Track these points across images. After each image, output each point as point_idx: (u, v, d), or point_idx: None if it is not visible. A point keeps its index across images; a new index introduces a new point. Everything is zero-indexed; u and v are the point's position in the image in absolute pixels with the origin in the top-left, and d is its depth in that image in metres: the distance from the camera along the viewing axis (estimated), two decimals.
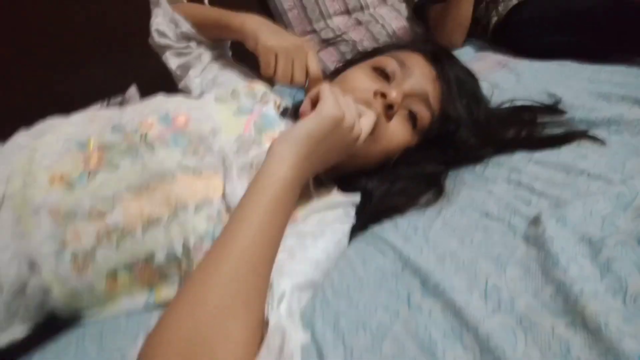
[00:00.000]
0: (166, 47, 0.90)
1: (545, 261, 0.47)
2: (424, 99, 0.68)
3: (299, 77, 0.75)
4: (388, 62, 0.71)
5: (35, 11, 1.21)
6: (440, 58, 0.73)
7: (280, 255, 0.52)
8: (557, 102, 0.80)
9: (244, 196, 0.51)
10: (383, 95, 0.66)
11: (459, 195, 0.66)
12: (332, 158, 0.59)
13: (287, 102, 0.83)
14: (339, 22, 1.48)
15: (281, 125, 0.70)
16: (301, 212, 0.64)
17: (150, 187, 0.59)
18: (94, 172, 0.60)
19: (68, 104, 1.00)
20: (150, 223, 0.58)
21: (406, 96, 0.67)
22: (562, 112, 0.77)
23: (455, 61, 0.76)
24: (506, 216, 0.58)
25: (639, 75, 0.82)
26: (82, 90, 1.24)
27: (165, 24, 0.89)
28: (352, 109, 0.58)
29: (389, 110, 0.66)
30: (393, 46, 0.81)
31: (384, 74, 0.70)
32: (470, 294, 0.47)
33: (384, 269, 0.57)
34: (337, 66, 0.89)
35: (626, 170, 0.59)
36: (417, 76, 0.69)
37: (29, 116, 0.72)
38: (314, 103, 0.58)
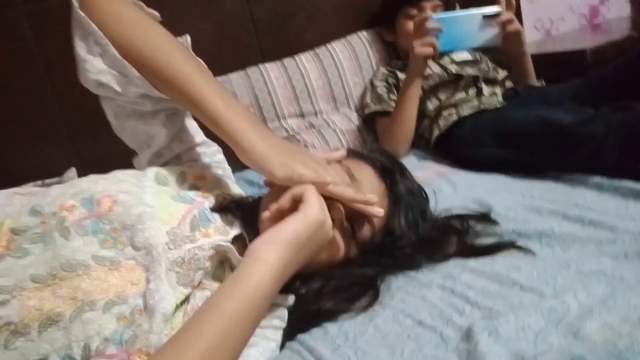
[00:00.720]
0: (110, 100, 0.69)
1: None
2: (369, 217, 0.65)
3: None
4: (338, 172, 0.66)
5: None
6: (392, 173, 0.71)
7: None
8: (489, 211, 0.81)
9: (211, 298, 0.45)
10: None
11: (392, 300, 0.63)
12: (306, 262, 0.56)
13: (240, 192, 0.75)
14: (292, 123, 1.52)
15: (217, 221, 0.64)
16: None
17: (57, 279, 0.53)
18: None
19: (22, 181, 0.94)
20: (49, 320, 0.51)
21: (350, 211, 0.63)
22: (495, 222, 0.78)
23: (406, 175, 0.74)
24: (439, 326, 0.55)
25: (566, 192, 0.86)
26: (39, 167, 1.17)
27: (106, 71, 0.64)
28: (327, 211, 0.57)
29: None
30: (347, 153, 0.74)
31: None
32: None
33: None
34: None
35: (557, 285, 0.58)
36: (365, 191, 0.64)
37: None
38: (295, 202, 0.55)
